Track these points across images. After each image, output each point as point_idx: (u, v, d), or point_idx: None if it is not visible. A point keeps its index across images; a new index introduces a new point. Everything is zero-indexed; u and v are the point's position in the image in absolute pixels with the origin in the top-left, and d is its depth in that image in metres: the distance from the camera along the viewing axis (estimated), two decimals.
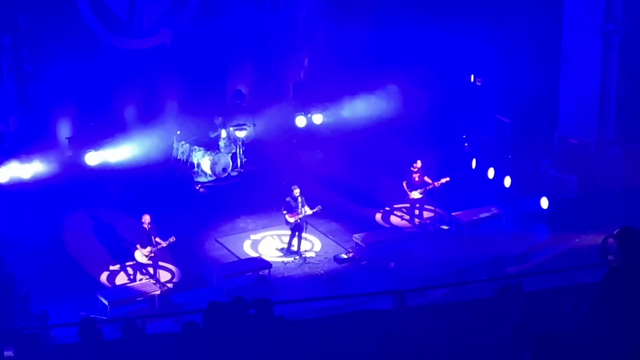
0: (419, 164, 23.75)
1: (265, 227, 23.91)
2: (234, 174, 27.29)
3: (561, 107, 24.41)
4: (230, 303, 10.85)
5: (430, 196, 24.15)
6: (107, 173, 25.38)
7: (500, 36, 25.55)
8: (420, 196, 23.79)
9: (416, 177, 23.74)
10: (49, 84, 25.26)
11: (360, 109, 28.82)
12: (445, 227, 23.93)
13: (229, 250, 22.73)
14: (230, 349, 9.65)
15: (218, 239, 23.35)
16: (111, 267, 21.62)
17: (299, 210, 22.05)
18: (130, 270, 21.27)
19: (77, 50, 25.38)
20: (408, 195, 23.84)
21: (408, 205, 24.32)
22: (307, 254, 22.25)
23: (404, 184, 23.83)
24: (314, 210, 22.27)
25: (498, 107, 26.65)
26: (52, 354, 10.60)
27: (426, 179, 23.75)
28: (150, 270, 20.89)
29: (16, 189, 23.69)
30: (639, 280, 8.86)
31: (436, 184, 23.71)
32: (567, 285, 9.94)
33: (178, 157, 27.60)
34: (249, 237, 23.45)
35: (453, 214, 23.74)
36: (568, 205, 23.45)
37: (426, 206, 24.35)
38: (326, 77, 29.14)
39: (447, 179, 23.86)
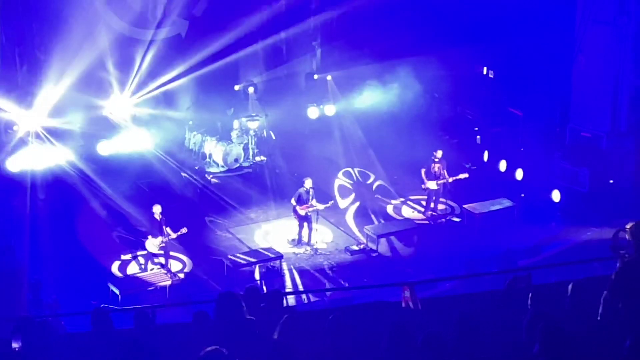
0: (439, 153, 23.60)
1: (276, 218, 23.93)
2: (246, 164, 27.29)
3: (573, 100, 24.35)
4: (243, 294, 10.88)
5: (446, 190, 24.04)
6: (119, 162, 25.42)
7: (513, 28, 25.44)
8: (436, 187, 23.69)
9: (436, 167, 23.61)
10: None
11: (372, 100, 28.82)
12: (456, 219, 23.91)
13: (240, 241, 22.75)
14: (241, 338, 9.66)
15: (229, 229, 23.39)
16: (123, 257, 21.65)
17: (310, 203, 22.03)
18: (141, 260, 21.29)
19: (91, 40, 25.33)
20: (424, 183, 23.74)
21: (425, 197, 24.25)
22: (318, 245, 22.25)
23: (422, 172, 23.72)
24: (326, 205, 22.24)
25: (510, 100, 26.58)
26: (62, 342, 10.62)
27: (444, 172, 23.64)
28: (162, 260, 20.93)
29: (28, 177, 23.72)
30: None
31: (450, 179, 23.61)
32: (578, 279, 9.90)
33: (190, 148, 27.64)
34: (260, 228, 23.49)
35: (465, 206, 23.68)
36: (580, 198, 23.38)
37: (441, 199, 24.25)
38: (338, 67, 29.11)
39: (466, 175, 23.85)
